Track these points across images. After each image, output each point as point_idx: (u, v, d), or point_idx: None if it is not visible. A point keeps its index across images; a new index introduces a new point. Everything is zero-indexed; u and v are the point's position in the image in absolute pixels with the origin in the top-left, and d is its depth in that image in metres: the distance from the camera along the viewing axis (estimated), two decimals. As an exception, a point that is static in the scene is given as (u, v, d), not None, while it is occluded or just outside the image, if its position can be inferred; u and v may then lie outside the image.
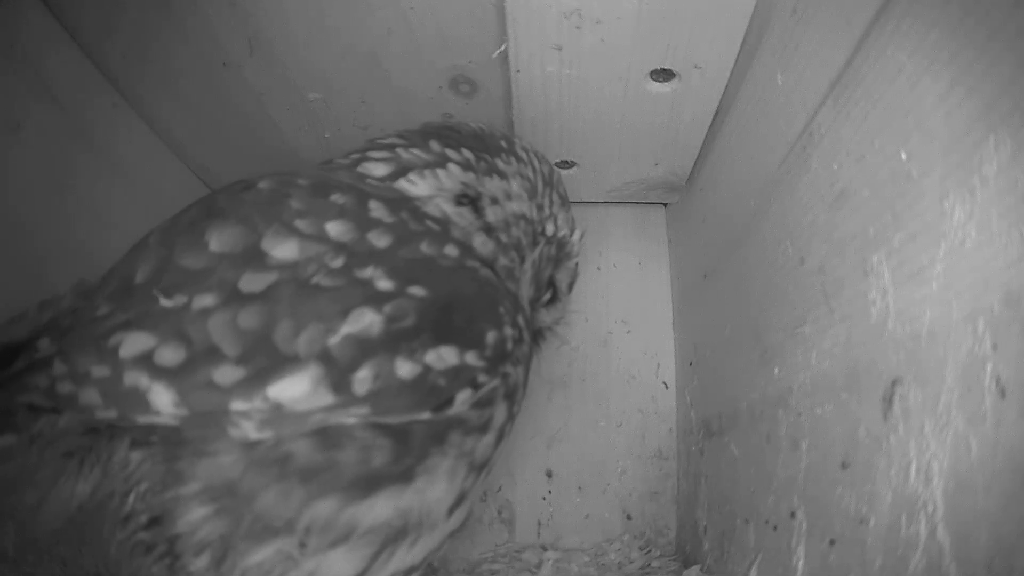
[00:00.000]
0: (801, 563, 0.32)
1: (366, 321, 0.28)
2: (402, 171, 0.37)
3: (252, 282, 0.28)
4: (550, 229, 0.43)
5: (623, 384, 0.63)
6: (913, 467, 0.24)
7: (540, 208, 0.43)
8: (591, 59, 0.42)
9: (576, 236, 0.46)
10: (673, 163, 0.55)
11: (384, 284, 0.29)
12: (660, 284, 0.65)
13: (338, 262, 0.29)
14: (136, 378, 0.26)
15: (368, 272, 0.29)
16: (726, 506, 0.45)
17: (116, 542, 0.27)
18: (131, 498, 0.27)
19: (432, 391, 0.29)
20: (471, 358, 0.30)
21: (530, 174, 0.42)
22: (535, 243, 0.42)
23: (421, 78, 0.48)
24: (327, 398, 0.27)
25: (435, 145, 0.39)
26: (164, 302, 0.28)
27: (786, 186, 0.37)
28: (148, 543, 0.27)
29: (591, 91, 0.45)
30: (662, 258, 0.66)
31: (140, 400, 0.26)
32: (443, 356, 0.29)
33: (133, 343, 0.27)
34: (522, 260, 0.42)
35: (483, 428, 0.32)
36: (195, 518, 0.26)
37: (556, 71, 0.43)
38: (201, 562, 0.27)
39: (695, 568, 0.48)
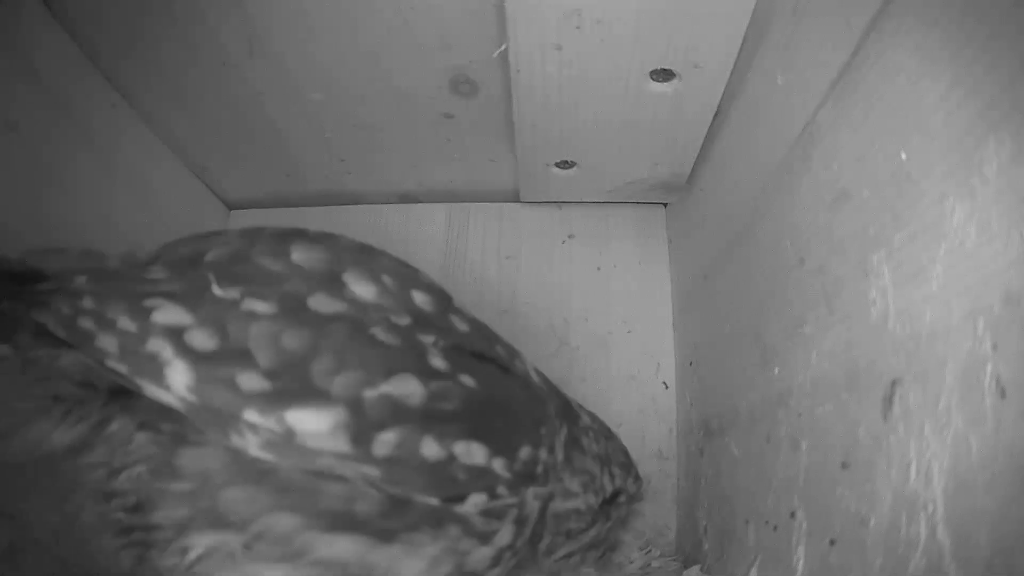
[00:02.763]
0: (801, 563, 0.32)
1: (409, 389, 0.28)
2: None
3: (320, 304, 0.28)
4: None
5: (623, 384, 0.63)
6: (913, 467, 0.24)
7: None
8: (591, 59, 0.42)
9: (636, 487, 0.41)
10: (673, 163, 0.55)
11: (438, 362, 0.29)
12: (660, 284, 0.65)
13: (404, 320, 0.29)
14: (159, 346, 0.26)
15: (429, 340, 0.29)
16: (726, 506, 0.45)
17: (92, 513, 0.26)
18: (122, 476, 0.26)
19: (449, 481, 0.28)
20: (498, 465, 0.29)
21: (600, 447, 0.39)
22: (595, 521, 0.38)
23: (421, 78, 0.48)
24: (343, 445, 0.26)
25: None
26: (216, 290, 0.27)
27: (786, 186, 0.37)
28: (125, 525, 0.26)
29: (591, 91, 0.45)
30: (662, 258, 0.65)
31: (156, 369, 0.26)
32: (472, 451, 0.29)
33: (169, 313, 0.26)
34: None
35: (484, 538, 0.31)
36: (177, 516, 0.26)
37: (556, 71, 0.43)
38: (168, 560, 0.27)
39: (695, 568, 0.48)
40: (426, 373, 0.28)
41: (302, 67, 0.48)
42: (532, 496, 0.32)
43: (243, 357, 0.26)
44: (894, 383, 0.26)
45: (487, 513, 0.30)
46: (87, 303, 0.26)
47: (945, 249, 0.23)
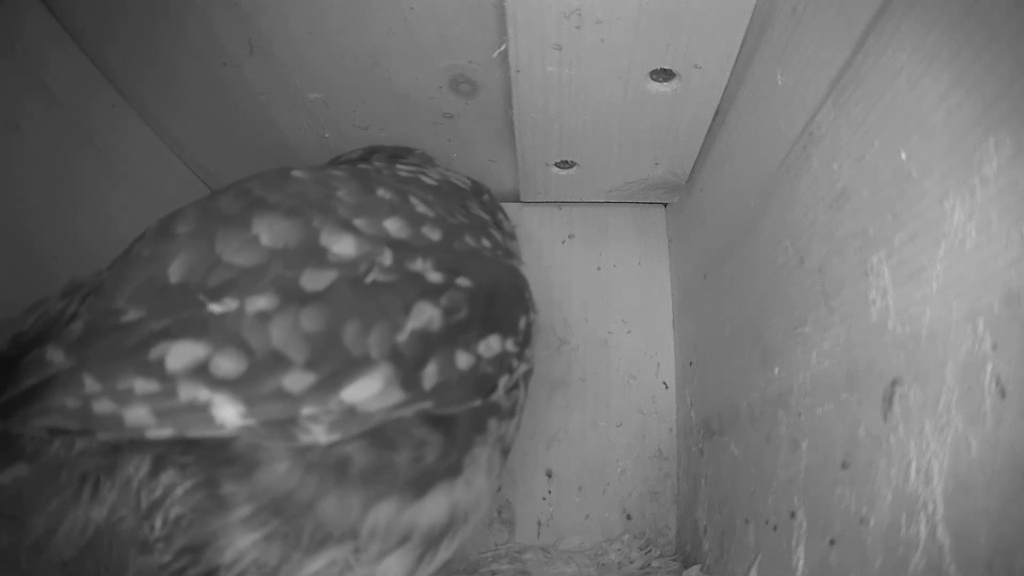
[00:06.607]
0: (801, 563, 0.32)
1: (427, 316, 0.28)
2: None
3: (314, 280, 0.27)
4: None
5: (623, 384, 0.63)
6: (913, 467, 0.24)
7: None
8: (591, 59, 0.42)
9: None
10: (673, 163, 0.55)
11: (434, 277, 0.29)
12: (660, 284, 0.65)
13: (388, 258, 0.29)
14: (193, 391, 0.24)
15: (418, 265, 0.29)
16: (726, 506, 0.45)
17: (136, 566, 0.26)
18: (157, 523, 0.25)
19: (483, 379, 0.30)
20: (509, 344, 0.31)
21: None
22: None
23: (421, 78, 0.48)
24: (398, 396, 0.27)
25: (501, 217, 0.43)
26: (213, 307, 0.25)
27: (786, 186, 0.37)
28: (176, 570, 0.25)
29: (591, 91, 0.45)
30: (662, 258, 0.66)
31: (201, 415, 0.24)
32: (491, 344, 0.30)
33: (181, 353, 0.24)
34: None
35: (511, 412, 0.33)
36: (243, 545, 0.25)
37: (556, 71, 0.43)
38: None
39: (695, 568, 0.48)
40: (432, 292, 0.29)
41: (302, 67, 0.48)
42: (530, 350, 0.34)
43: (278, 361, 0.25)
44: (894, 383, 0.26)
45: (509, 389, 0.32)
46: (91, 385, 0.23)
47: (945, 249, 0.23)
